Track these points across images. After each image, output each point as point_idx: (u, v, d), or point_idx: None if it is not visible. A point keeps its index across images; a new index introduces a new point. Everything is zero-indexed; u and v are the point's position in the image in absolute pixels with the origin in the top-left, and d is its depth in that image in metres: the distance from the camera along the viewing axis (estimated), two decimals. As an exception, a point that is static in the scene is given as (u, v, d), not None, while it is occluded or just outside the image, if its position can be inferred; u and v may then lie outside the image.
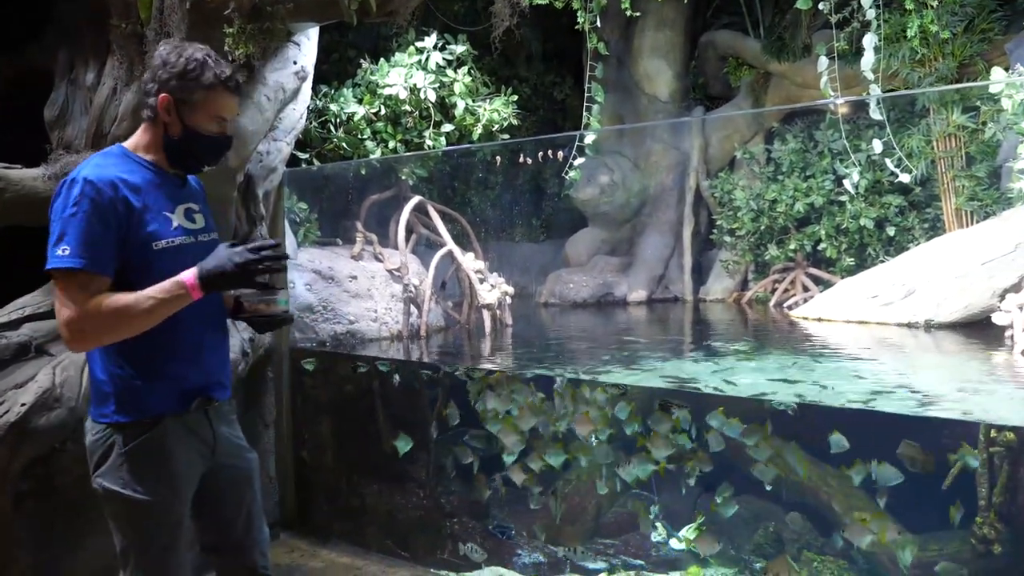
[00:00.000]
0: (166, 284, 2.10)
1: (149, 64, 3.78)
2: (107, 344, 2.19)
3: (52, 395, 3.04)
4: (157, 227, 2.22)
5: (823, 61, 5.57)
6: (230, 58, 3.34)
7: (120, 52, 3.98)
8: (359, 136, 5.46)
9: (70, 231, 2.07)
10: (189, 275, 2.10)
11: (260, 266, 2.13)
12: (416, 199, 5.75)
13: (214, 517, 2.45)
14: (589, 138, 5.95)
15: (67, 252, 2.05)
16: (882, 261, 7.02)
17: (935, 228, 7.08)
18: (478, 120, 5.62)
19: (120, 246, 2.14)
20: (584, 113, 6.04)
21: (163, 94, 2.22)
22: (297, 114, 4.64)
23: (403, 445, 4.66)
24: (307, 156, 5.41)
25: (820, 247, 7.61)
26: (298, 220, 5.42)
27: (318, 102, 5.51)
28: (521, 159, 5.12)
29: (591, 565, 4.88)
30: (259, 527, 2.55)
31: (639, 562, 4.80)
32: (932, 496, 3.73)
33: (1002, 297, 4.99)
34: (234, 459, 2.48)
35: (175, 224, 2.28)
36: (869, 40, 5.26)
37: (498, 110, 5.68)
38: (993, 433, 3.55)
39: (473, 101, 5.72)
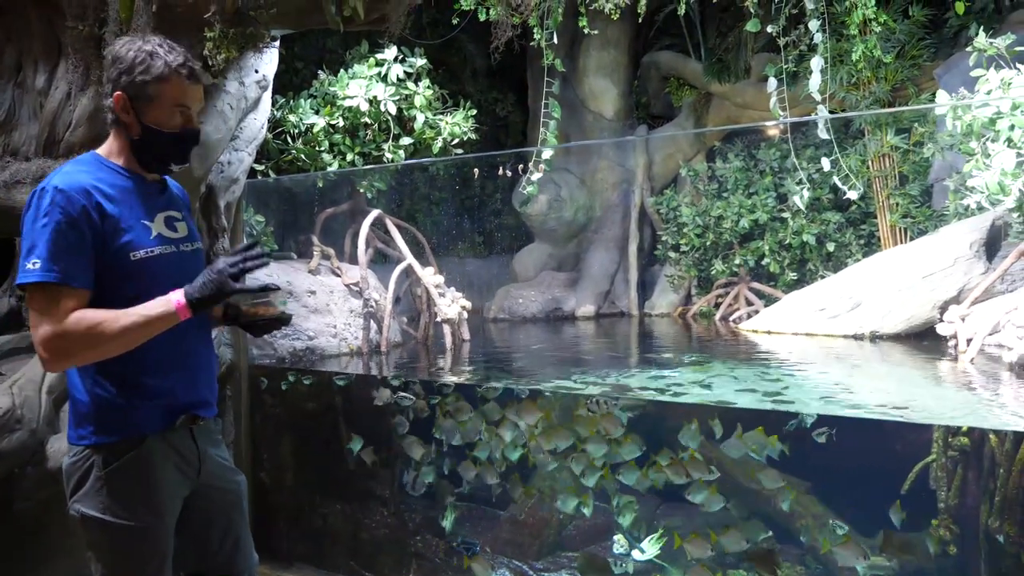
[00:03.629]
0: (150, 305, 1.98)
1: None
2: (86, 363, 2.06)
3: (13, 416, 2.85)
4: (134, 237, 2.08)
5: (772, 82, 5.78)
6: (210, 63, 3.22)
7: (75, 55, 3.79)
8: (317, 148, 5.35)
9: (40, 243, 1.93)
10: (177, 299, 2.00)
11: (240, 269, 2.04)
12: (375, 213, 5.66)
13: (199, 543, 2.31)
14: (547, 153, 5.99)
15: (37, 266, 1.91)
16: (822, 276, 7.30)
17: (871, 244, 7.41)
18: (438, 134, 5.59)
19: (97, 256, 2.01)
20: (541, 129, 6.09)
21: (116, 92, 2.09)
22: (258, 124, 4.52)
23: (356, 446, 4.57)
24: (264, 168, 5.27)
25: (764, 262, 7.85)
26: (254, 233, 5.26)
27: (275, 112, 5.38)
28: (500, 171, 5.10)
29: (556, 579, 4.87)
30: (248, 553, 2.42)
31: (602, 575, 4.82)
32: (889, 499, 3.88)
33: (943, 309, 5.25)
34: (221, 481, 2.34)
35: (154, 233, 2.15)
36: (816, 63, 5.49)
37: (459, 124, 5.66)
38: (952, 438, 3.72)
39: (432, 115, 5.69)
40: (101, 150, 2.19)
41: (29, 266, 1.92)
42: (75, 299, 1.95)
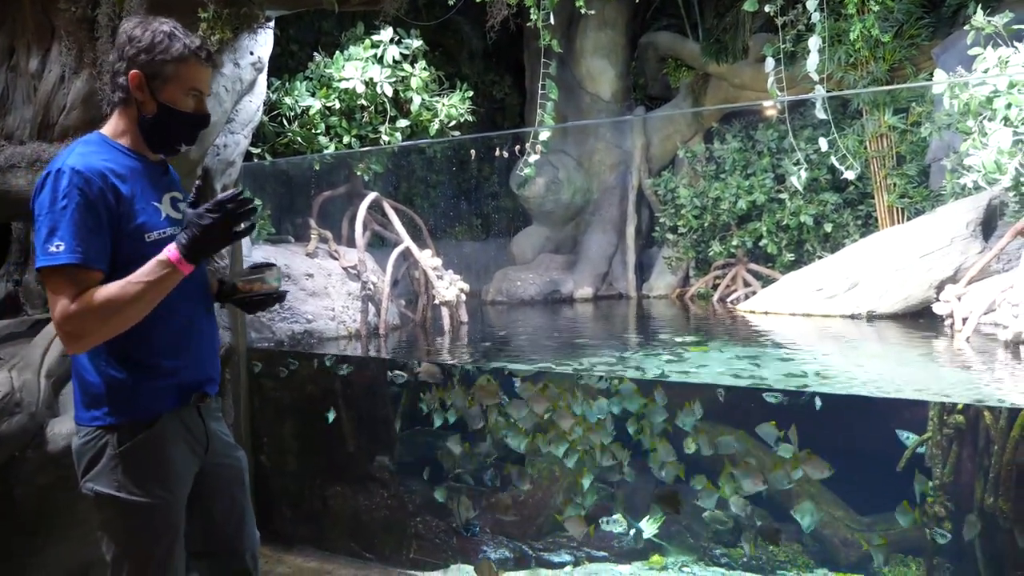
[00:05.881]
0: (149, 266, 1.97)
1: (104, 47, 3.64)
2: (105, 339, 2.05)
3: (12, 399, 2.85)
4: (147, 218, 2.09)
5: (770, 62, 5.76)
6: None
7: (68, 38, 3.76)
8: (313, 130, 5.33)
9: (62, 225, 1.93)
10: (170, 251, 1.98)
11: (230, 215, 2.02)
12: (372, 196, 5.65)
13: (206, 520, 2.33)
14: (544, 135, 5.97)
15: (61, 248, 1.91)
16: (819, 257, 7.31)
17: (867, 225, 7.41)
18: (435, 115, 5.57)
19: (112, 238, 2.01)
20: (538, 110, 6.06)
21: (133, 71, 2.08)
22: (254, 107, 4.50)
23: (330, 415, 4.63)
24: (260, 150, 5.25)
25: (761, 243, 7.86)
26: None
27: (271, 95, 5.35)
28: (497, 152, 5.09)
29: (556, 558, 4.91)
30: (250, 530, 2.45)
31: (602, 553, 4.86)
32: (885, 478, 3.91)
33: (939, 288, 5.27)
34: (225, 457, 2.37)
35: (164, 214, 2.16)
36: (814, 42, 5.47)
37: (455, 105, 5.63)
38: (947, 416, 3.74)
39: (429, 96, 5.66)
40: (106, 130, 2.18)
41: (52, 248, 1.92)
42: (92, 280, 1.96)
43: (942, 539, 3.64)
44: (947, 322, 4.99)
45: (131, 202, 2.06)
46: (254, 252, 5.07)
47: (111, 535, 2.12)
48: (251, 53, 4.27)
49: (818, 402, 3.91)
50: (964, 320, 4.73)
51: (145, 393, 2.12)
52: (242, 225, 2.06)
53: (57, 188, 1.97)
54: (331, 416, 4.63)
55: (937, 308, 5.08)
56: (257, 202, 2.18)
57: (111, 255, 2.02)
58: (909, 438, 3.73)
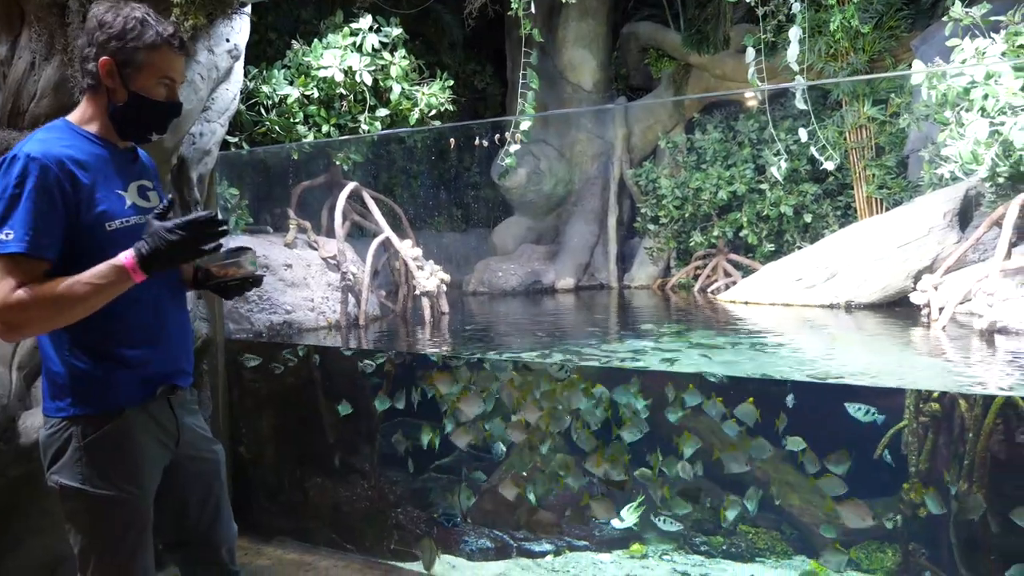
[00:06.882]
0: (102, 268, 1.92)
1: (75, 33, 3.57)
2: (42, 333, 2.04)
3: (-18, 392, 2.81)
4: (108, 207, 2.05)
5: (751, 53, 5.76)
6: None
7: (39, 24, 3.68)
8: (291, 119, 5.27)
9: (13, 213, 1.89)
10: (127, 257, 1.92)
11: (199, 236, 1.97)
12: (352, 185, 5.61)
13: (178, 512, 2.31)
14: (525, 124, 5.95)
15: (11, 236, 1.88)
16: (799, 247, 7.35)
17: (847, 215, 7.46)
18: (415, 105, 5.52)
19: (68, 228, 1.97)
20: (519, 100, 6.03)
21: (103, 57, 2.05)
22: (230, 95, 4.44)
23: (344, 409, 4.62)
24: (237, 139, 5.19)
25: (741, 233, 7.89)
26: (228, 207, 5.19)
27: (248, 83, 5.28)
28: (477, 141, 5.05)
29: (537, 548, 4.92)
30: (227, 523, 2.43)
31: (583, 543, 4.88)
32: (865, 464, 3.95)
33: (917, 278, 5.31)
34: (198, 450, 2.34)
35: (128, 203, 2.12)
36: (795, 33, 5.48)
37: (435, 95, 5.59)
38: (923, 404, 3.78)
39: (409, 85, 5.61)
40: (72, 117, 2.15)
41: (2, 236, 1.88)
42: (37, 270, 1.91)
43: (916, 524, 3.69)
44: (924, 311, 5.03)
45: (91, 190, 2.02)
46: (231, 242, 5.01)
47: (77, 528, 2.09)
48: (227, 40, 4.20)
49: (790, 400, 3.96)
50: (940, 309, 4.77)
51: (111, 384, 2.08)
52: (209, 245, 2.01)
53: (10, 175, 1.93)
54: (344, 410, 4.63)
55: (914, 298, 5.12)
56: (228, 225, 2.13)
57: (68, 243, 1.97)
58: (859, 409, 3.77)
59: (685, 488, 4.18)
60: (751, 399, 3.98)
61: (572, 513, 4.92)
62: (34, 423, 2.95)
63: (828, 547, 3.95)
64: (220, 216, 2.05)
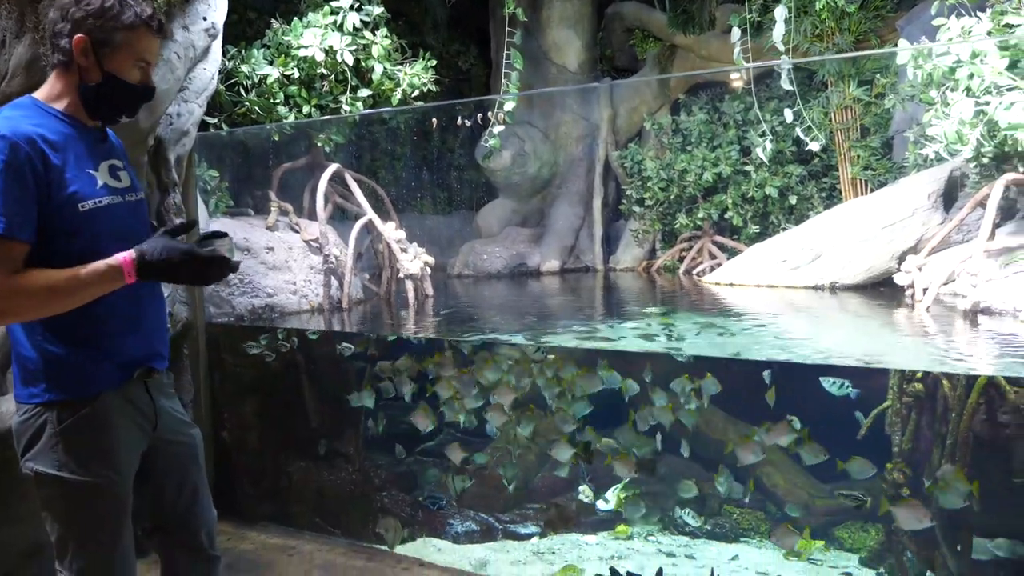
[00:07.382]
0: (99, 267, 1.90)
1: (45, 9, 3.48)
2: (24, 321, 1.99)
3: (-46, 378, 2.74)
4: (80, 187, 1.99)
5: (736, 33, 5.72)
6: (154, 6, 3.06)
7: (9, 2, 3.58)
8: (272, 100, 5.18)
9: None
10: (126, 259, 1.92)
11: (208, 274, 2.02)
12: (333, 167, 5.53)
13: (156, 497, 2.27)
14: (509, 105, 5.89)
15: None
16: (784, 229, 7.35)
17: (832, 197, 7.47)
18: (397, 85, 5.44)
19: (40, 208, 1.91)
20: (503, 80, 5.97)
21: (79, 35, 1.98)
22: (208, 74, 4.35)
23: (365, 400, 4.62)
24: (216, 120, 5.10)
25: (727, 215, 7.88)
26: (208, 188, 5.11)
27: (227, 63, 5.18)
28: (459, 122, 4.99)
29: (523, 530, 4.93)
30: (206, 506, 2.39)
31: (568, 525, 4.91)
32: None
33: (901, 259, 5.33)
34: (175, 434, 2.30)
35: (100, 183, 2.06)
36: (780, 12, 5.45)
37: (418, 75, 5.51)
38: (907, 384, 3.80)
39: (391, 65, 5.53)
40: (39, 94, 2.07)
41: None
42: (19, 252, 1.86)
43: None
44: (908, 292, 5.04)
45: (62, 170, 1.96)
46: (211, 224, 4.94)
47: (54, 515, 2.05)
48: (204, 19, 4.12)
49: (766, 376, 3.97)
50: (924, 290, 4.79)
51: (86, 368, 2.04)
52: (212, 282, 2.07)
53: None
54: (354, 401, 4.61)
55: (899, 279, 5.13)
56: (237, 270, 2.16)
57: (41, 225, 1.92)
58: (834, 383, 3.78)
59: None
60: (708, 374, 4.01)
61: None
62: (9, 409, 2.89)
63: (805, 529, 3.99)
64: (234, 258, 2.08)
